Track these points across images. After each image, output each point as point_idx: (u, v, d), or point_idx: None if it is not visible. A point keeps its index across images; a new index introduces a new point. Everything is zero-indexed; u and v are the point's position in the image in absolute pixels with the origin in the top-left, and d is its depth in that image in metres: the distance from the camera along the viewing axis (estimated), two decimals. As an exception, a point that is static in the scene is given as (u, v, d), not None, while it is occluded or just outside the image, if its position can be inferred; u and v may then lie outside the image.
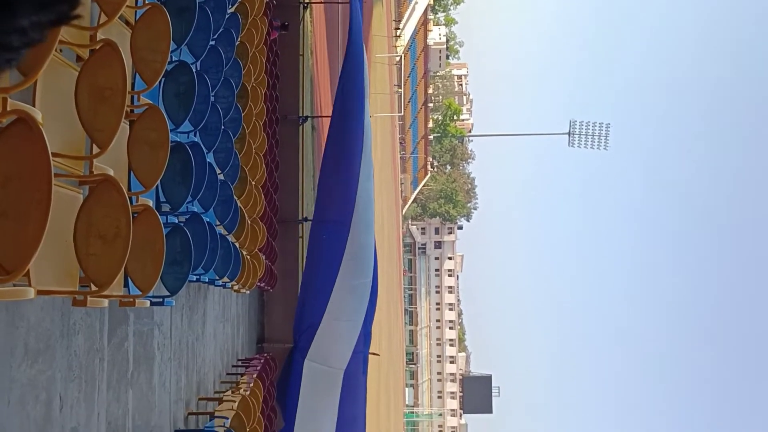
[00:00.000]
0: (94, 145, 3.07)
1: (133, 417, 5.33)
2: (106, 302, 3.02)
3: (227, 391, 8.86)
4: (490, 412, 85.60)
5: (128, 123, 3.76)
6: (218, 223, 7.22)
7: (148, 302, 4.06)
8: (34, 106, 2.62)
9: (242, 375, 10.25)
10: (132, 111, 3.95)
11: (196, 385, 8.07)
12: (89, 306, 2.89)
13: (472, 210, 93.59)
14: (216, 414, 7.50)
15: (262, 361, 11.60)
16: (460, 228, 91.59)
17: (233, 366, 10.80)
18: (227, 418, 7.40)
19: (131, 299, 3.55)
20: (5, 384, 3.07)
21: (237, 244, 8.58)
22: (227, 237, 7.84)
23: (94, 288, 2.70)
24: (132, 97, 4.08)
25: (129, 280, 3.53)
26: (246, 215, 8.83)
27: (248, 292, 11.59)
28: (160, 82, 4.49)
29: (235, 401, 8.12)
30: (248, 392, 8.86)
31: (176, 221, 5.01)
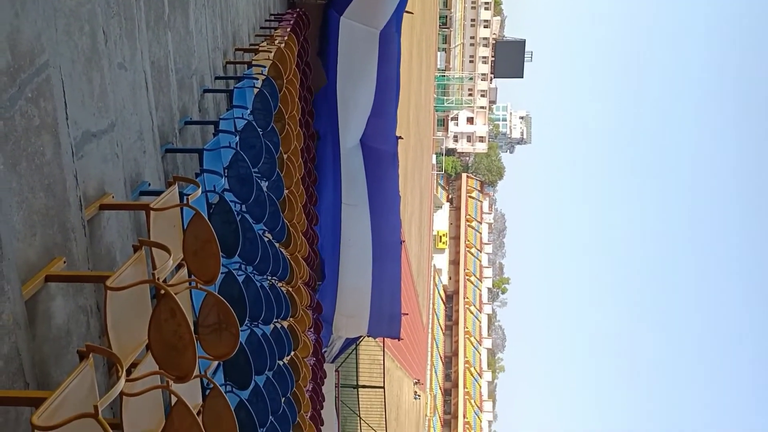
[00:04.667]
0: None
1: (174, 59, 5.50)
2: None
3: (262, 42, 8.94)
4: (521, 76, 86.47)
5: None
6: None
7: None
8: None
9: (276, 29, 10.24)
10: None
11: (232, 35, 8.14)
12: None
13: None
14: (254, 63, 7.68)
15: (295, 15, 11.50)
16: None
17: (266, 20, 10.76)
18: (265, 67, 7.60)
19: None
20: (49, 12, 3.13)
21: None
22: None
23: None
24: None
25: None
26: None
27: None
28: None
29: (271, 52, 8.25)
30: (283, 44, 8.95)
31: None
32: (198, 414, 4.14)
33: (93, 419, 2.34)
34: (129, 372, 3.28)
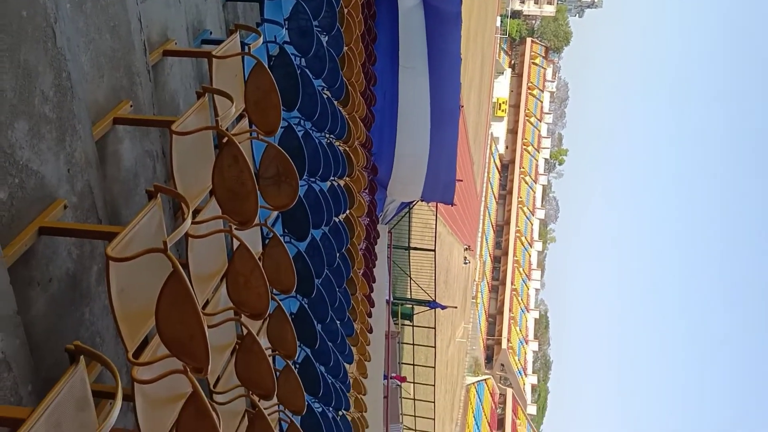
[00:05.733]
0: None
1: None
2: None
3: None
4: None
5: None
6: None
7: None
8: None
9: None
10: None
11: None
12: None
13: None
14: None
15: None
16: None
17: None
18: None
19: None
20: None
21: None
22: None
23: None
24: None
25: None
26: None
27: None
28: None
29: None
30: None
31: None
32: (258, 260, 4.32)
33: (162, 254, 2.46)
34: (194, 215, 3.40)
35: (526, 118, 74.80)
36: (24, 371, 2.44)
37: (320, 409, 6.28)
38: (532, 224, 76.13)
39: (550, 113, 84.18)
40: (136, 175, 3.50)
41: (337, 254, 7.32)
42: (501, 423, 57.73)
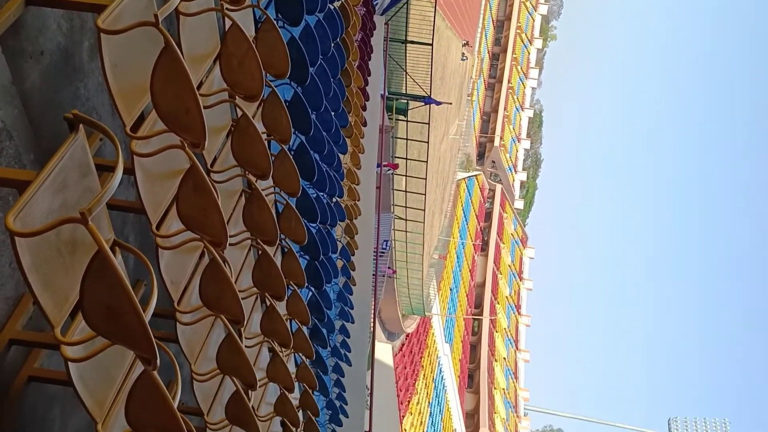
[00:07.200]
0: None
1: None
2: None
3: None
4: None
5: None
6: None
7: None
8: None
9: None
10: None
11: None
12: None
13: None
14: None
15: None
16: None
17: None
18: None
19: None
20: None
21: None
22: None
23: None
24: None
25: None
26: None
27: None
28: None
29: None
30: None
31: None
32: (252, 43, 4.25)
33: (154, 28, 2.42)
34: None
35: None
36: (25, 140, 2.51)
37: (314, 194, 6.52)
38: (533, 20, 73.72)
39: None
40: (121, -53, 3.33)
41: (332, 43, 7.18)
42: (488, 216, 60.15)
